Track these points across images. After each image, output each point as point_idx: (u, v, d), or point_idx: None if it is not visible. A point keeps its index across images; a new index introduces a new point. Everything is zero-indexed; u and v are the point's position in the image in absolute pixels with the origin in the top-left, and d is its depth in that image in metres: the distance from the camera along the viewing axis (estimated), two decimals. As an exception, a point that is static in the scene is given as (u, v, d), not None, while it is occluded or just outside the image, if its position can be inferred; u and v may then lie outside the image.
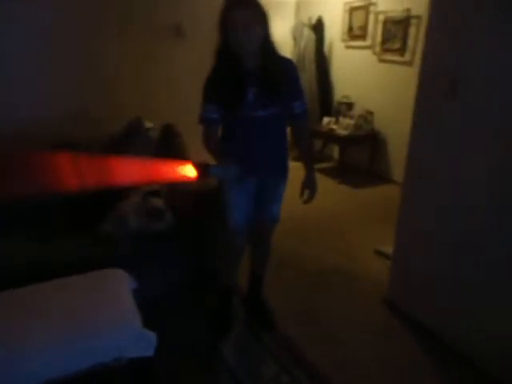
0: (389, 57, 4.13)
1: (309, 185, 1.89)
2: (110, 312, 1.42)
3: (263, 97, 1.66)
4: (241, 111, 1.68)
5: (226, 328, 2.07)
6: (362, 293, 2.41)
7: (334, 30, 4.71)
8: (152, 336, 1.42)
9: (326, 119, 4.56)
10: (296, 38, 4.77)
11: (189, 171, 1.51)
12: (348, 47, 4.64)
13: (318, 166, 4.78)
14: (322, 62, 4.74)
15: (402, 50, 3.95)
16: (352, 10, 4.47)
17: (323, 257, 2.82)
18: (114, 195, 2.29)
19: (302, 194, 1.91)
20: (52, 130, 2.45)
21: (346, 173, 4.43)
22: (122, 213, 2.17)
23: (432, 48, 1.86)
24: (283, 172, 1.90)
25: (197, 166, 1.51)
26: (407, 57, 3.91)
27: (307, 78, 4.67)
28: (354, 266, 2.70)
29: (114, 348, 1.35)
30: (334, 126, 4.39)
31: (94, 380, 1.34)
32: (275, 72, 1.66)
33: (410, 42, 3.86)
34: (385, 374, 1.82)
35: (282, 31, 5.06)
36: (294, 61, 4.72)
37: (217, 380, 1.76)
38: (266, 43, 1.64)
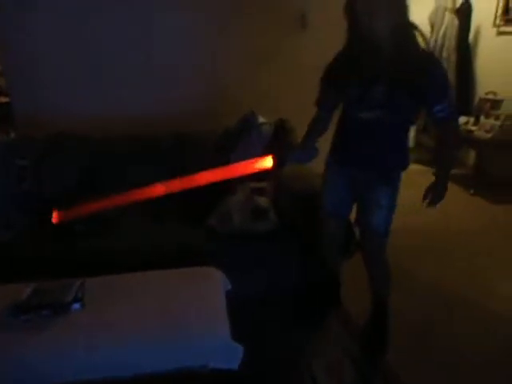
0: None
1: (435, 189, 1.64)
2: (201, 316, 1.38)
3: (379, 95, 1.49)
4: (346, 108, 1.62)
5: (334, 305, 2.04)
6: (496, 338, 1.93)
7: (484, 14, 4.00)
8: (239, 349, 1.33)
9: (463, 118, 3.92)
10: (434, 24, 4.21)
11: (265, 162, 1.54)
12: (501, 33, 3.89)
13: (447, 171, 4.20)
14: (464, 51, 4.09)
15: None
16: (511, -11, 3.73)
17: (445, 281, 2.38)
18: (223, 189, 2.29)
19: (425, 196, 1.66)
20: (171, 122, 2.56)
21: (482, 183, 3.75)
22: (227, 209, 2.15)
23: None
24: (382, 176, 1.67)
25: (273, 155, 1.54)
26: None
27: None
28: (485, 300, 2.21)
29: (200, 354, 1.30)
30: (473, 128, 3.75)
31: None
32: (406, 69, 1.45)
33: None
34: None
35: (419, 18, 4.53)
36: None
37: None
38: (399, 32, 1.44)
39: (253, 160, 1.62)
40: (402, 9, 1.48)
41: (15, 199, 2.18)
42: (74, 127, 2.51)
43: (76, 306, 1.42)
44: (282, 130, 2.55)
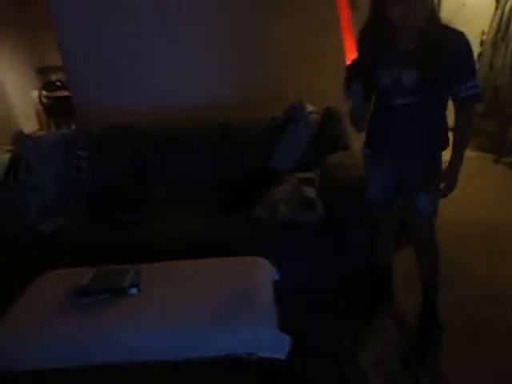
0: None
1: (447, 176, 1.62)
2: (249, 305, 1.40)
3: (411, 81, 1.47)
4: (379, 96, 1.61)
5: (385, 301, 2.00)
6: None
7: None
8: (287, 340, 1.35)
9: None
10: (499, -1, 3.87)
11: None
12: None
13: (510, 158, 3.90)
14: (533, 27, 3.73)
15: None
16: None
17: (501, 278, 2.20)
18: (270, 179, 2.30)
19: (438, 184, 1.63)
20: (219, 112, 2.60)
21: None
22: (274, 199, 2.15)
23: None
24: (428, 159, 1.65)
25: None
26: None
27: (509, 49, 3.76)
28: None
29: (248, 343, 1.33)
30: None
31: (226, 370, 1.35)
32: (439, 49, 1.43)
33: None
34: None
35: (481, -8, 4.19)
36: (494, 29, 3.89)
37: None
38: (431, 17, 1.46)
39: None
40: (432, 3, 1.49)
41: (75, 188, 2.33)
42: (128, 119, 2.63)
43: (133, 290, 1.50)
44: (329, 118, 2.50)
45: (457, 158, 1.61)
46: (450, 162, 1.62)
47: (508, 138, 3.92)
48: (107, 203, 2.19)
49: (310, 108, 2.54)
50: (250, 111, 2.68)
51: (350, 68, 1.70)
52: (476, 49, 4.25)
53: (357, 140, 2.04)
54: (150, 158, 2.42)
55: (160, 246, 1.94)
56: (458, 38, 1.49)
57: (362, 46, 1.65)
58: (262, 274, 1.59)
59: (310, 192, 2.14)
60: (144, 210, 2.07)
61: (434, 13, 1.48)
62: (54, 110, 5.89)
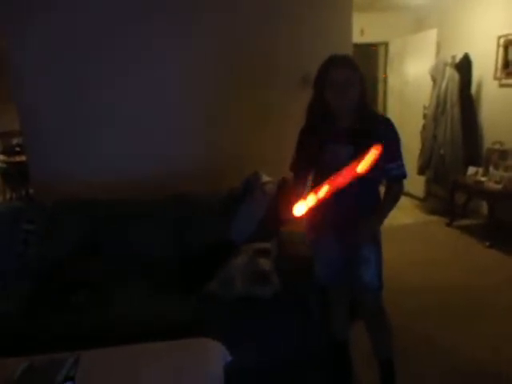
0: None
1: (362, 223, 1.66)
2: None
3: (349, 154, 1.56)
4: (320, 170, 1.68)
5: (345, 376, 1.95)
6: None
7: (484, 68, 4.10)
8: None
9: (471, 169, 3.91)
10: (435, 79, 4.31)
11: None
12: (503, 85, 3.95)
13: (460, 222, 4.10)
14: (467, 103, 4.14)
15: None
16: (509, 44, 3.82)
17: (464, 349, 2.21)
18: (228, 251, 2.27)
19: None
20: (174, 184, 2.62)
21: (498, 234, 3.63)
22: (230, 273, 2.11)
23: None
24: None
25: None
26: None
27: (448, 122, 4.13)
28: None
29: None
30: (483, 178, 3.71)
31: None
32: (371, 131, 1.57)
33: None
34: None
35: (420, 72, 4.66)
36: (433, 104, 4.29)
37: None
38: (363, 103, 1.62)
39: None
40: (365, 84, 1.63)
41: (19, 265, 2.19)
42: (84, 190, 2.59)
43: (67, 385, 1.37)
44: (284, 188, 2.56)
45: (376, 219, 1.71)
46: (369, 219, 1.68)
47: (456, 202, 4.15)
48: (53, 282, 2.06)
49: (265, 178, 2.60)
50: (208, 182, 2.72)
51: (296, 149, 1.81)
52: (420, 121, 4.64)
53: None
54: (102, 233, 2.34)
55: (108, 328, 1.81)
56: (386, 122, 1.68)
57: (305, 128, 1.76)
58: (211, 358, 1.51)
59: (266, 264, 2.12)
60: (91, 290, 1.95)
61: (365, 99, 1.63)
62: (11, 174, 5.72)
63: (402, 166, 1.68)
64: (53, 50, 2.74)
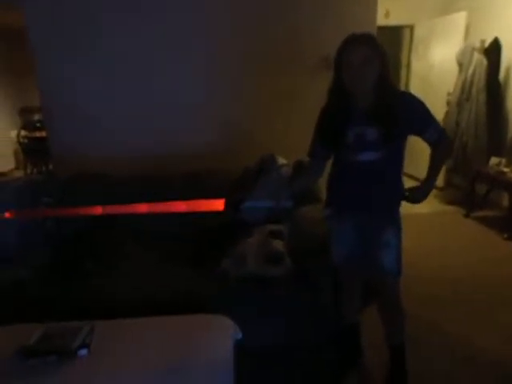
0: None
1: (419, 191, 1.65)
2: (204, 367, 1.34)
3: (374, 136, 1.56)
4: (342, 154, 1.66)
5: (353, 362, 1.96)
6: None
7: (515, 53, 3.94)
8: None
9: (494, 159, 3.79)
10: (462, 64, 4.16)
11: (217, 205, 1.60)
12: (533, 73, 3.80)
13: (479, 213, 4.01)
14: (494, 90, 4.00)
15: None
16: (542, 29, 3.66)
17: (475, 339, 2.19)
18: (240, 231, 2.28)
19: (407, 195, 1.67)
20: (190, 161, 2.62)
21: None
22: (243, 251, 2.12)
23: None
24: (389, 216, 1.69)
25: (228, 202, 1.60)
26: None
27: (473, 109, 4.00)
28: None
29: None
30: (506, 169, 3.60)
31: None
32: (392, 107, 1.53)
33: None
34: None
35: (446, 57, 4.51)
36: (458, 90, 4.15)
37: None
38: (383, 82, 1.55)
39: (207, 200, 1.69)
40: (386, 61, 1.56)
41: (38, 236, 2.25)
42: (101, 166, 2.62)
43: (82, 351, 1.41)
44: (299, 171, 2.54)
45: (431, 177, 1.68)
46: (425, 180, 1.67)
47: (476, 193, 4.05)
48: (71, 252, 2.12)
49: (281, 161, 2.58)
50: (224, 161, 2.72)
51: (315, 132, 1.76)
52: (443, 107, 4.50)
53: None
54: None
55: (121, 298, 1.85)
56: (409, 97, 1.63)
57: (326, 110, 1.71)
58: (221, 333, 1.53)
59: (279, 245, 2.13)
60: (107, 261, 2.00)
61: (386, 78, 1.56)
62: (32, 149, 5.85)
63: (438, 125, 1.63)
64: (68, 26, 2.75)
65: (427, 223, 3.87)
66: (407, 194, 1.67)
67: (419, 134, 1.62)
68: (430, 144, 1.66)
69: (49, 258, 2.15)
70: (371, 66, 1.51)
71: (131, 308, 1.71)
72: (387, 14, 4.87)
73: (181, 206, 1.79)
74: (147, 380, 1.31)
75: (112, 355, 1.41)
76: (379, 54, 1.53)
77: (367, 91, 1.56)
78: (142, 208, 1.72)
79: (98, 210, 1.71)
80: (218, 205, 1.59)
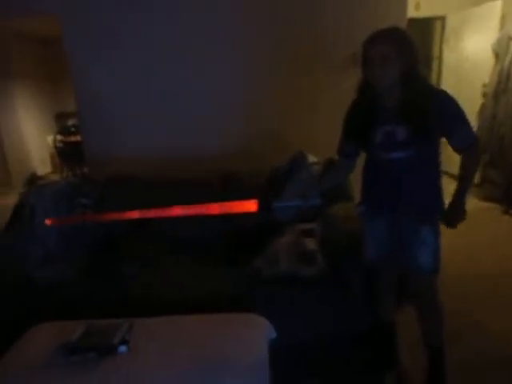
0: None
1: (449, 211, 1.58)
2: (240, 367, 1.35)
3: (403, 135, 1.52)
4: (372, 152, 1.64)
5: (389, 362, 1.90)
6: None
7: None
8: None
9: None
10: (499, 54, 3.98)
11: (249, 205, 1.59)
12: None
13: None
14: (534, 81, 3.81)
15: None
16: None
17: None
18: (271, 230, 2.27)
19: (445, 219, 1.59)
20: (221, 162, 2.64)
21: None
22: (276, 250, 2.12)
23: None
24: (424, 214, 1.62)
25: (259, 201, 1.59)
26: None
27: (510, 100, 3.83)
28: None
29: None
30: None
31: None
32: (420, 105, 1.47)
33: None
34: None
35: (481, 48, 4.33)
36: (495, 81, 3.98)
37: None
38: (408, 78, 1.49)
39: (240, 202, 1.68)
40: (414, 55, 1.50)
41: (77, 237, 2.33)
42: (134, 168, 2.69)
43: (122, 348, 1.45)
44: (329, 168, 2.51)
45: (459, 191, 1.58)
46: (455, 195, 1.58)
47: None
48: (108, 254, 2.18)
49: (311, 159, 2.56)
50: (251, 161, 2.73)
51: (343, 129, 1.74)
52: (478, 100, 4.33)
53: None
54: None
55: (157, 299, 1.90)
56: (438, 93, 1.55)
57: (354, 107, 1.69)
58: (256, 332, 1.53)
59: (311, 244, 2.11)
60: (143, 262, 2.04)
61: (412, 73, 1.50)
62: (67, 154, 6.07)
63: (469, 132, 1.54)
64: (103, 32, 2.83)
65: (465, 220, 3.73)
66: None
67: (447, 136, 1.54)
68: (457, 151, 1.57)
69: (87, 260, 2.22)
70: (390, 64, 1.47)
71: (167, 307, 1.74)
72: (418, 6, 4.73)
73: (214, 208, 1.80)
74: (185, 377, 1.33)
75: (150, 352, 1.44)
76: (401, 50, 1.47)
77: (390, 88, 1.52)
78: (176, 211, 1.74)
79: (135, 214, 1.75)
80: (251, 206, 1.59)
